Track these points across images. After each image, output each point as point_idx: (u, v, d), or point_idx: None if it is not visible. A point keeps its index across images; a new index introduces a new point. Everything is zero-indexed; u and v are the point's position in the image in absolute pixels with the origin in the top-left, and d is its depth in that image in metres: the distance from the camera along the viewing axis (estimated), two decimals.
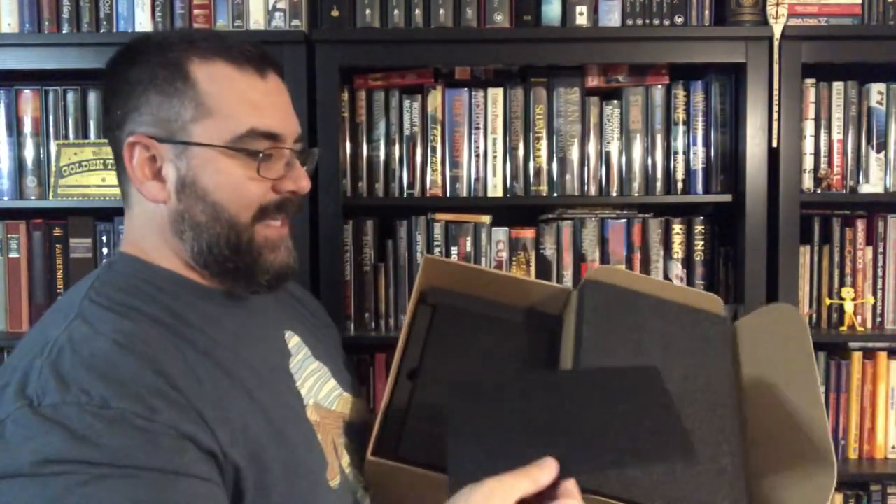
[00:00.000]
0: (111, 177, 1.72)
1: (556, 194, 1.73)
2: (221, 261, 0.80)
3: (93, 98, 1.74)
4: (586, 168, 1.74)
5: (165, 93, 0.78)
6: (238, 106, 0.79)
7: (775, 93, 1.61)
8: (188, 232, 0.79)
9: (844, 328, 1.71)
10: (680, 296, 1.05)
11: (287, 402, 0.83)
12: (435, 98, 1.73)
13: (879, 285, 1.74)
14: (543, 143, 1.73)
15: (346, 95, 1.72)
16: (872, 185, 1.72)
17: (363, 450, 0.87)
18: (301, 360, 0.90)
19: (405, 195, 1.74)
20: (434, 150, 1.73)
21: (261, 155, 0.79)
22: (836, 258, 1.74)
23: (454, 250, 1.74)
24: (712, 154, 1.73)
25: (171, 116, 0.78)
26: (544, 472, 0.67)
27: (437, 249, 1.74)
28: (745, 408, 0.95)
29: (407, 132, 1.73)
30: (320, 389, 0.91)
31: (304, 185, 0.83)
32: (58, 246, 1.75)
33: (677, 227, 1.75)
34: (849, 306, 1.71)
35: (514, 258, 1.75)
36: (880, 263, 1.74)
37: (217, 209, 0.79)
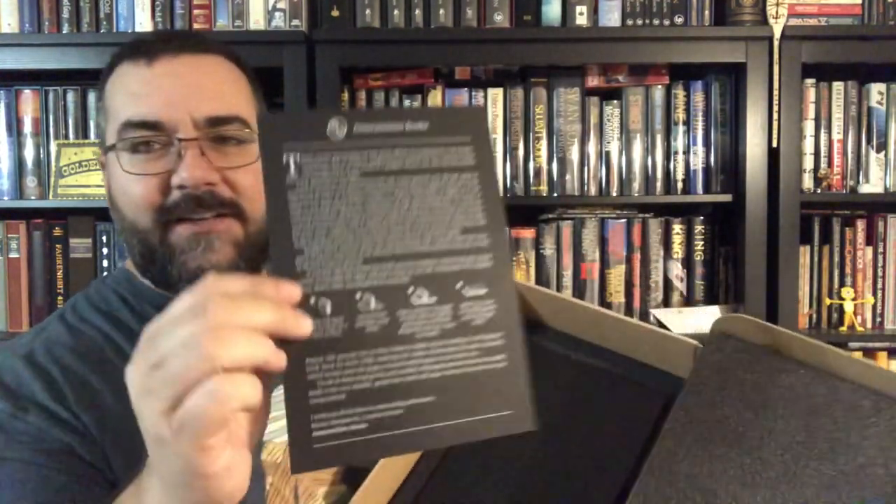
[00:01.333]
0: None
1: (556, 194, 1.74)
2: (144, 271, 0.75)
3: (93, 98, 1.74)
4: (586, 168, 1.74)
5: (99, 109, 0.78)
6: (116, 101, 0.74)
7: (775, 93, 1.61)
8: (125, 241, 0.77)
9: (844, 328, 1.71)
10: (867, 375, 0.63)
11: None
12: (435, 98, 1.73)
13: (879, 285, 1.74)
14: (543, 143, 1.73)
15: (346, 95, 1.72)
16: (872, 185, 1.72)
17: None
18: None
19: None
20: None
21: (140, 148, 0.71)
22: (836, 258, 1.74)
23: None
24: (712, 154, 1.73)
25: (100, 130, 0.78)
26: None
27: None
28: None
29: None
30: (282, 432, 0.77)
31: (186, 176, 0.69)
32: (58, 246, 1.75)
33: (677, 228, 1.75)
34: (849, 306, 1.71)
35: (514, 258, 1.75)
36: (880, 263, 1.74)
37: (122, 216, 0.74)
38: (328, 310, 0.45)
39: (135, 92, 0.73)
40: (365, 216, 0.48)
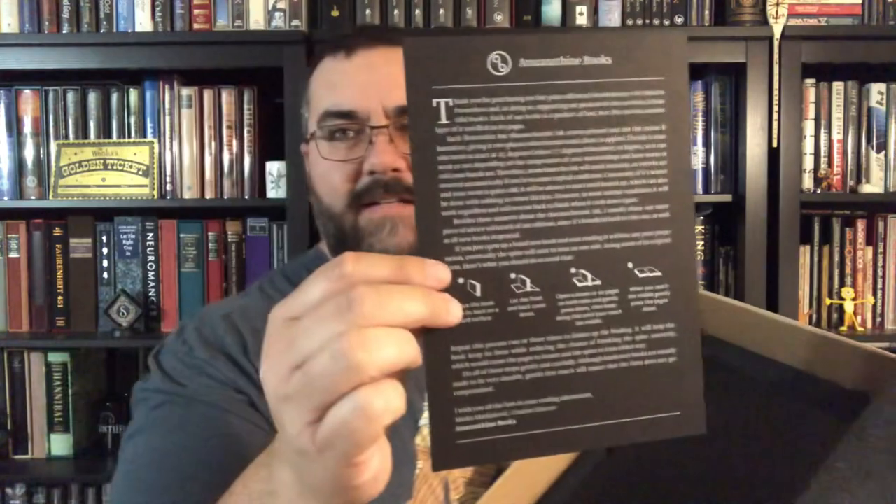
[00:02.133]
0: (111, 177, 1.72)
1: None
2: (335, 251, 0.79)
3: (93, 98, 1.74)
4: None
5: (303, 102, 0.84)
6: (317, 92, 0.80)
7: (775, 93, 1.61)
8: (322, 228, 0.82)
9: (844, 328, 1.71)
10: None
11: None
12: None
13: (879, 285, 1.74)
14: None
15: None
16: (872, 185, 1.72)
17: None
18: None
19: None
20: None
21: (336, 135, 0.76)
22: (836, 258, 1.74)
23: None
24: (712, 154, 1.73)
25: (304, 122, 0.83)
26: None
27: None
28: None
29: None
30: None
31: (376, 162, 0.73)
32: (58, 246, 1.75)
33: None
34: (849, 306, 1.71)
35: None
36: (880, 263, 1.74)
37: (319, 200, 0.79)
38: (478, 292, 0.39)
39: (333, 83, 0.78)
40: (526, 178, 0.40)
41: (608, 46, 0.40)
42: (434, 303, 0.37)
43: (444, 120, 0.39)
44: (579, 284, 0.40)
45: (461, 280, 0.39)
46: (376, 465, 0.38)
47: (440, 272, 0.38)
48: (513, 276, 0.40)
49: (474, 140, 0.39)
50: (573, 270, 0.40)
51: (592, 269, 0.41)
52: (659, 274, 0.41)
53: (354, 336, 0.34)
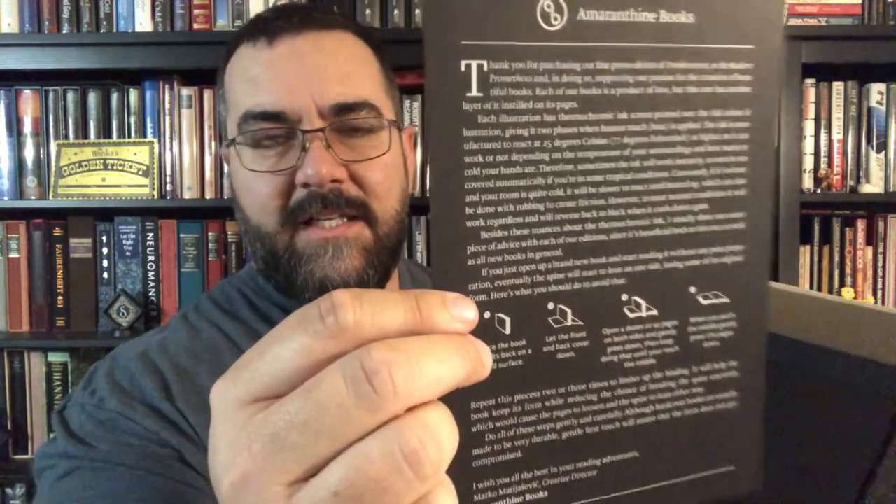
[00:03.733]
0: (111, 177, 1.72)
1: None
2: (267, 275, 0.69)
3: (93, 98, 1.74)
4: None
5: (219, 99, 0.72)
6: (237, 90, 0.67)
7: None
8: (249, 245, 0.70)
9: None
10: None
11: None
12: None
13: (879, 285, 1.74)
14: None
15: None
16: (872, 185, 1.72)
17: None
18: None
19: None
20: None
21: (263, 142, 0.65)
22: (836, 258, 1.74)
23: None
24: None
25: (221, 123, 0.72)
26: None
27: None
28: None
29: None
30: None
31: (311, 172, 0.62)
32: (58, 246, 1.75)
33: None
34: None
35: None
36: (880, 263, 1.74)
37: (246, 217, 0.67)
38: (507, 328, 0.30)
39: (254, 78, 0.65)
40: (575, 176, 0.30)
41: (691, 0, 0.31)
42: (471, 358, 0.26)
43: (474, 91, 0.28)
44: (631, 315, 0.32)
45: (487, 314, 0.29)
46: None
47: (467, 310, 0.27)
48: (551, 306, 0.30)
49: (513, 122, 0.29)
50: (625, 297, 0.32)
51: (648, 295, 0.32)
52: (726, 300, 0.33)
53: (411, 434, 0.24)
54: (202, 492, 0.58)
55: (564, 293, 0.30)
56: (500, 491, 0.30)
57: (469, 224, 0.28)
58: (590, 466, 0.32)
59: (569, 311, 0.31)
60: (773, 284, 0.52)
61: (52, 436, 0.64)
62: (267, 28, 0.66)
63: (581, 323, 0.31)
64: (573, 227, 0.30)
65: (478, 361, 0.26)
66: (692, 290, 0.33)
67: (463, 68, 0.28)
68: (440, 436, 0.24)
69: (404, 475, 0.23)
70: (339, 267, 0.64)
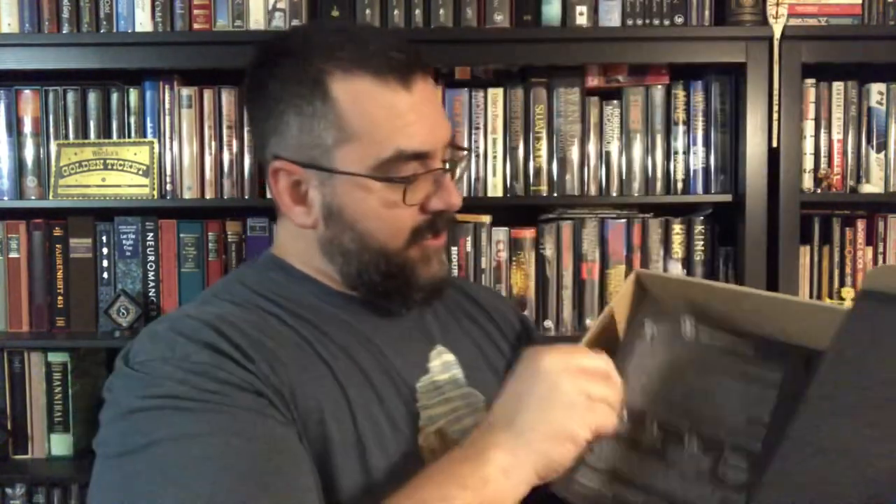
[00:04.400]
0: (111, 177, 1.72)
1: (556, 194, 1.73)
2: (373, 285, 0.78)
3: (93, 98, 1.74)
4: (586, 168, 1.74)
5: (304, 114, 0.73)
6: (381, 127, 0.73)
7: (775, 93, 1.61)
8: (338, 257, 0.77)
9: None
10: None
11: (390, 415, 0.74)
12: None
13: None
14: (543, 143, 1.73)
15: None
16: (872, 185, 1.72)
17: None
18: (441, 382, 0.80)
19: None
20: None
21: (407, 182, 0.74)
22: (836, 258, 1.74)
23: (454, 250, 1.74)
24: (712, 154, 1.73)
25: (312, 141, 0.74)
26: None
27: None
28: None
29: None
30: (460, 419, 0.79)
31: (455, 202, 0.77)
32: (58, 246, 1.75)
33: (677, 227, 1.75)
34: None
35: (513, 258, 1.75)
36: (880, 263, 1.74)
37: (366, 237, 0.76)
38: (625, 417, 0.67)
39: (401, 121, 0.73)
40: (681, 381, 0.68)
41: (756, 344, 0.67)
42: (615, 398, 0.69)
43: (647, 337, 0.70)
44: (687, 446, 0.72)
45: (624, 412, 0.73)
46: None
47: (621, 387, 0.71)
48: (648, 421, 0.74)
49: (658, 348, 0.79)
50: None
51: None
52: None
53: (608, 399, 0.67)
54: (296, 432, 0.67)
55: (654, 412, 0.77)
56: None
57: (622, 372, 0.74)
58: None
59: (655, 425, 0.75)
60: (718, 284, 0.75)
61: (129, 386, 0.66)
62: (393, 68, 0.73)
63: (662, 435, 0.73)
64: (669, 393, 0.76)
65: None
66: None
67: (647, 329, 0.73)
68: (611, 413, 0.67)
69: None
70: (445, 270, 0.82)
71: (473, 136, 1.73)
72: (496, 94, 1.73)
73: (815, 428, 0.61)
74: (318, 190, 0.75)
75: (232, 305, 0.75)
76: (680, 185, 1.74)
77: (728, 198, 1.70)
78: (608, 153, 1.74)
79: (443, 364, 0.82)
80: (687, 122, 1.74)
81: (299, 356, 0.72)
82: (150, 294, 1.74)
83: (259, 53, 0.78)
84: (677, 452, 0.66)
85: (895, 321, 0.59)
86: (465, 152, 0.84)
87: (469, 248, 1.74)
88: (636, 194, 1.74)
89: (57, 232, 1.75)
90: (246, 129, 1.71)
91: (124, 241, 1.74)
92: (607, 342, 0.79)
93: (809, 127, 1.72)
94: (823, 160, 1.73)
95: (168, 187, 1.72)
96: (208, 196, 1.71)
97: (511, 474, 0.62)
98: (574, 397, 0.64)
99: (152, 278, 1.74)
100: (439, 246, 0.80)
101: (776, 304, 0.71)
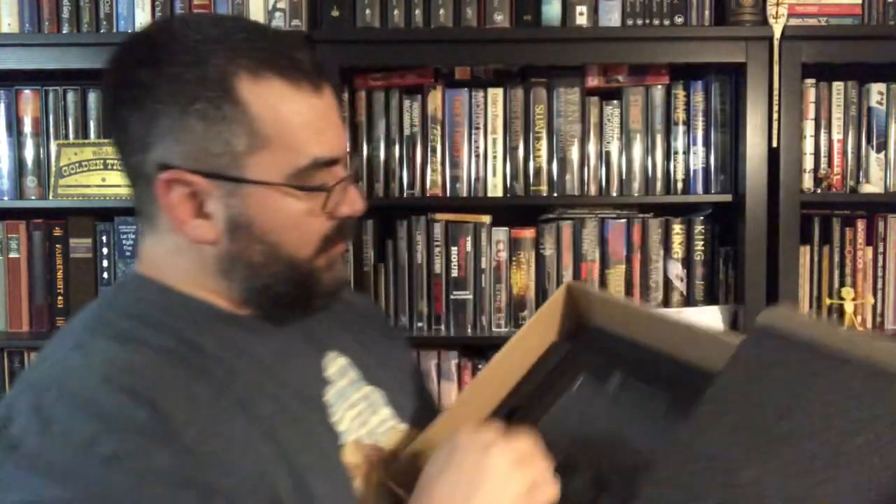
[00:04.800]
0: (111, 177, 1.72)
1: (556, 194, 1.74)
2: (278, 298, 0.73)
3: (93, 98, 1.74)
4: (586, 168, 1.74)
5: (209, 118, 0.66)
6: (298, 134, 0.68)
7: (775, 93, 1.61)
8: (240, 273, 0.71)
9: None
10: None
11: (317, 444, 0.72)
12: (435, 98, 1.73)
13: (879, 285, 1.74)
14: (543, 143, 1.73)
15: (346, 95, 1.72)
16: (872, 185, 1.72)
17: None
18: (343, 389, 0.79)
19: (405, 195, 1.74)
20: (434, 150, 1.73)
21: (327, 191, 0.71)
22: (836, 258, 1.74)
23: (454, 250, 1.74)
24: (712, 154, 1.73)
25: (219, 148, 0.67)
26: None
27: (436, 249, 1.74)
28: None
29: (407, 132, 1.73)
30: (365, 422, 0.78)
31: (360, 208, 0.74)
32: (58, 246, 1.75)
33: (677, 228, 1.75)
34: (849, 306, 1.71)
35: (513, 258, 1.75)
36: (880, 263, 1.74)
37: (277, 249, 0.71)
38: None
39: (316, 127, 0.70)
40: None
41: None
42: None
43: None
44: None
45: None
46: None
47: None
48: None
49: None
50: None
51: None
52: None
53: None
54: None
55: None
56: None
57: None
58: None
59: None
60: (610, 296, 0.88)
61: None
62: (306, 73, 0.69)
63: None
64: None
65: None
66: None
67: None
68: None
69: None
70: (345, 272, 0.82)
71: (473, 136, 1.73)
72: (496, 94, 1.73)
73: (696, 438, 0.67)
74: (221, 201, 0.68)
75: (117, 345, 0.67)
76: (680, 185, 1.74)
77: (728, 198, 1.70)
78: (608, 153, 1.74)
79: (339, 369, 0.80)
80: (687, 122, 1.74)
81: (219, 407, 0.66)
82: None
83: (132, 51, 0.70)
84: (567, 486, 0.70)
85: (778, 357, 0.66)
86: (358, 157, 0.84)
87: (469, 248, 1.74)
88: (636, 194, 1.74)
89: (57, 232, 1.75)
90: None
91: (124, 241, 1.74)
92: (526, 352, 0.85)
93: (809, 127, 1.72)
94: (823, 160, 1.73)
95: None
96: None
97: None
98: (524, 495, 0.65)
99: None
100: (342, 251, 0.77)
101: (684, 332, 0.76)
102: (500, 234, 1.75)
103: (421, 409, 0.85)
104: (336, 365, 0.80)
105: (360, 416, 0.78)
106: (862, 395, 0.62)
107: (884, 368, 0.61)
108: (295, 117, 0.68)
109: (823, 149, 1.73)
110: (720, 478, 0.64)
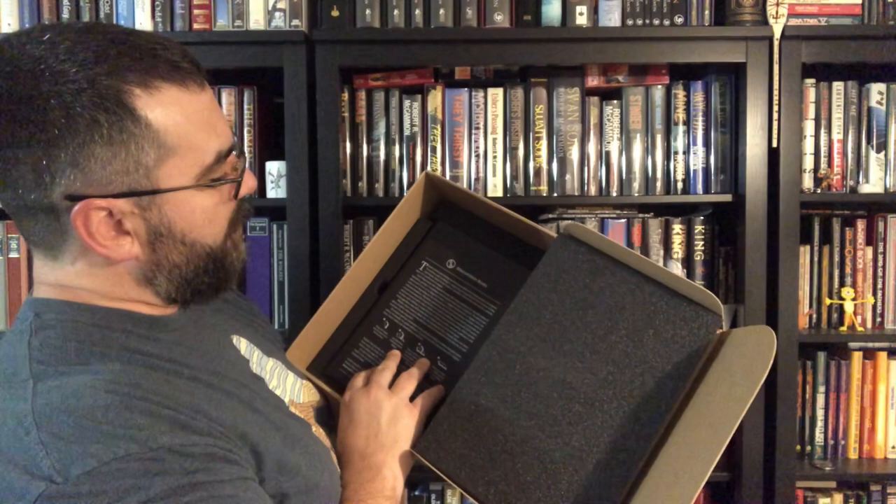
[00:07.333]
0: None
1: (556, 194, 1.74)
2: (203, 287, 0.78)
3: None
4: (586, 168, 1.74)
5: (114, 141, 0.65)
6: (198, 134, 0.70)
7: (775, 93, 1.61)
8: (164, 276, 0.74)
9: (844, 328, 1.71)
10: (668, 280, 0.88)
11: (277, 406, 0.82)
12: (435, 98, 1.73)
13: (879, 285, 1.74)
14: (543, 143, 1.73)
15: (346, 95, 1.72)
16: (872, 185, 1.72)
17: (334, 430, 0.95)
18: (257, 362, 0.86)
19: (405, 195, 1.73)
20: (434, 150, 1.73)
21: (237, 181, 0.76)
22: (836, 258, 1.74)
23: None
24: (712, 154, 1.73)
25: (129, 167, 0.66)
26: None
27: None
28: (678, 424, 0.84)
29: (407, 132, 1.73)
30: (287, 386, 0.89)
31: (252, 184, 0.79)
32: None
33: (677, 227, 1.75)
34: (849, 306, 1.71)
35: None
36: (880, 263, 1.74)
37: (196, 245, 0.74)
38: (386, 325, 1.03)
39: (209, 122, 0.72)
40: None
41: None
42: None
43: None
44: None
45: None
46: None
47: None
48: None
49: None
50: None
51: None
52: None
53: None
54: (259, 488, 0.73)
55: None
56: None
57: None
58: None
59: None
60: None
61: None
62: (188, 72, 0.70)
63: None
64: None
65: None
66: None
67: None
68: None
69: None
70: (245, 249, 0.83)
71: (473, 136, 1.73)
72: (496, 94, 1.73)
73: (510, 332, 0.90)
74: (138, 217, 0.69)
75: (98, 366, 0.68)
76: (680, 185, 1.74)
77: (728, 198, 1.70)
78: (608, 153, 1.74)
79: (246, 348, 0.86)
80: (687, 122, 1.74)
81: (205, 394, 0.72)
82: None
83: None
84: (407, 353, 0.99)
85: (574, 263, 0.92)
86: (235, 137, 0.89)
87: None
88: (636, 194, 1.74)
89: None
90: (246, 129, 1.71)
91: None
92: (396, 229, 1.05)
93: (809, 127, 1.72)
94: (823, 160, 1.73)
95: None
96: None
97: (399, 478, 0.89)
98: (395, 409, 0.91)
99: None
100: (242, 230, 0.83)
101: (514, 220, 1.00)
102: None
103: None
104: (242, 345, 0.86)
105: (282, 382, 0.89)
106: (636, 301, 0.87)
107: (659, 282, 0.87)
108: (192, 118, 0.70)
109: (823, 149, 1.73)
110: (520, 366, 0.88)
